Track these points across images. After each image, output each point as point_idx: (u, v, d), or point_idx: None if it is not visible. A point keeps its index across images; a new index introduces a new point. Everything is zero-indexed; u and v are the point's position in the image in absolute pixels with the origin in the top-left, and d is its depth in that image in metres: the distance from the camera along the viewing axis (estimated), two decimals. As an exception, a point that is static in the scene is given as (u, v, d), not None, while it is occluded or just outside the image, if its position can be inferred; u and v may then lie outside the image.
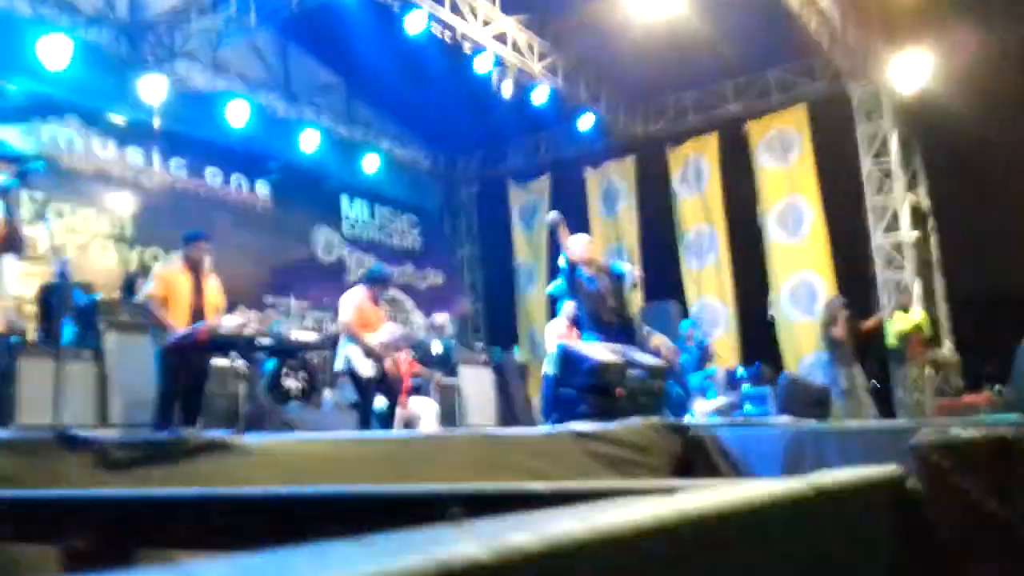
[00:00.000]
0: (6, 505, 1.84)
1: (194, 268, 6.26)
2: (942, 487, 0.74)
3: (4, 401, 6.27)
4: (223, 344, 6.09)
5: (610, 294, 6.84)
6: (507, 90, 11.64)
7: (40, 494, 2.06)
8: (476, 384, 10.26)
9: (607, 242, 14.14)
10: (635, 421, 4.91)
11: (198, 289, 6.23)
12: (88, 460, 3.24)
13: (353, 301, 7.20)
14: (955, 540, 0.73)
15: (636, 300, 7.80)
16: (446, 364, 10.23)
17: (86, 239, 9.96)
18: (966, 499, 0.74)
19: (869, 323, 11.16)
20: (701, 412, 6.45)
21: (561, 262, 6.91)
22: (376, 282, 7.41)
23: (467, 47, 11.17)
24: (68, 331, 7.07)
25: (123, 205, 10.54)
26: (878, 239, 11.93)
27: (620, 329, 6.85)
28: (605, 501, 0.53)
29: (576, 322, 7.09)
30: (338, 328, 7.23)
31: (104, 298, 7.79)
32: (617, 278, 6.91)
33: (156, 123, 10.80)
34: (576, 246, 6.85)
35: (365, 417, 7.01)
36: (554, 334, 9.39)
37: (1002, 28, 9.83)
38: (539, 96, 12.32)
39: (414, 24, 10.36)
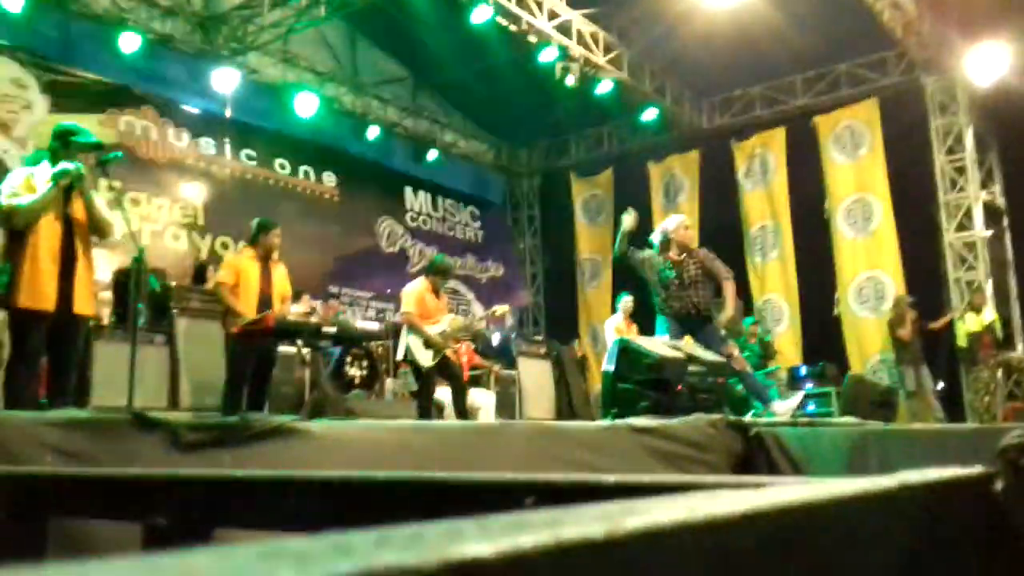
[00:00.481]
0: (86, 482, 1.91)
1: (264, 256, 6.38)
2: (1028, 490, 0.73)
3: (80, 383, 6.49)
4: (289, 332, 6.21)
5: (695, 286, 6.76)
6: (570, 81, 11.61)
7: (119, 472, 2.13)
8: (535, 377, 10.26)
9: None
10: (695, 418, 4.88)
11: (267, 277, 6.35)
12: (161, 441, 3.34)
13: (414, 292, 7.25)
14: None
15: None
16: (505, 356, 10.27)
17: (160, 227, 10.25)
18: (1053, 504, 0.72)
19: (938, 323, 10.89)
20: (780, 413, 6.34)
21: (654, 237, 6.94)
22: (438, 273, 7.45)
23: (532, 39, 11.17)
24: (141, 316, 7.28)
25: (195, 194, 10.83)
26: (950, 237, 11.61)
27: (692, 323, 6.77)
28: (689, 494, 0.54)
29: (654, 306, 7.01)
30: (400, 318, 7.30)
31: (177, 284, 8.00)
32: (708, 276, 6.84)
33: (228, 114, 11.05)
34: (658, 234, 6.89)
35: (424, 406, 7.08)
36: (612, 328, 9.38)
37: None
38: (603, 89, 12.27)
39: (480, 16, 10.41)
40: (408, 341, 7.09)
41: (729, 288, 6.87)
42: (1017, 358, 10.78)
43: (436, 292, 7.37)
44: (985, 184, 11.96)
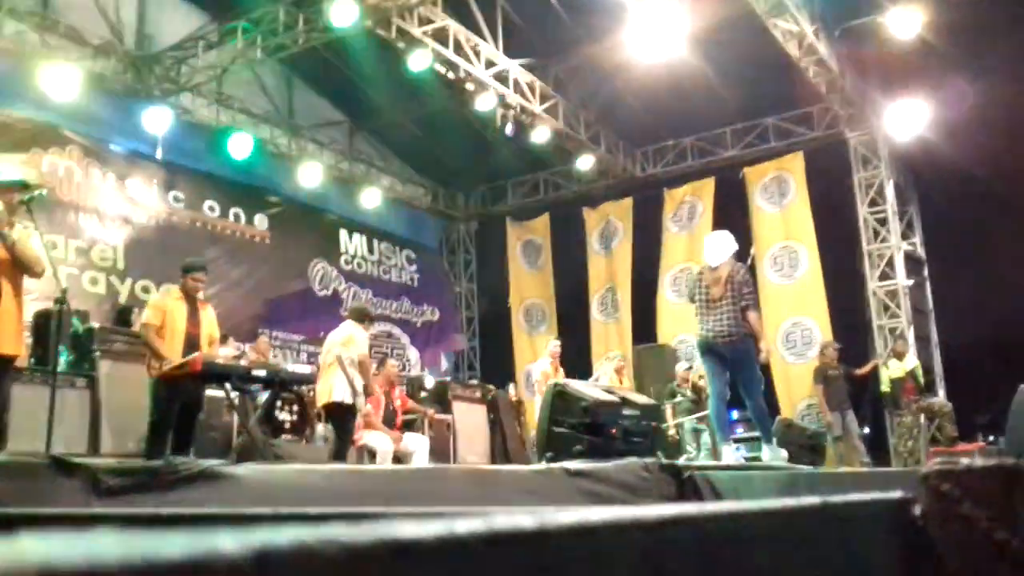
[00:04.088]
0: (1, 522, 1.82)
1: (191, 298, 6.24)
2: (948, 514, 0.74)
3: (-4, 427, 6.23)
4: (218, 375, 6.05)
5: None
6: (509, 129, 11.75)
7: (37, 512, 2.03)
8: (470, 421, 10.21)
9: (602, 280, 14.21)
10: (629, 461, 4.90)
11: (194, 319, 6.20)
12: (80, 486, 3.22)
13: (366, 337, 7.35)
14: (959, 567, 0.74)
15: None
16: (440, 400, 10.19)
17: (76, 271, 9.92)
18: (972, 527, 0.74)
19: (863, 369, 11.17)
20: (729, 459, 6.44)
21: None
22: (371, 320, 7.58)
23: (470, 87, 11.29)
24: (62, 358, 7.03)
25: (117, 237, 10.53)
26: (873, 286, 11.98)
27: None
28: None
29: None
30: (355, 359, 7.24)
31: (100, 326, 7.76)
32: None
33: (158, 154, 10.86)
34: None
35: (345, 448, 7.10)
36: (539, 372, 9.45)
37: (996, 79, 9.98)
38: (540, 136, 12.44)
39: (418, 62, 10.49)
40: (354, 383, 7.09)
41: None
42: (939, 403, 11.07)
43: None
44: (907, 235, 12.40)
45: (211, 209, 11.75)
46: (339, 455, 7.15)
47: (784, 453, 6.47)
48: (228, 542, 0.27)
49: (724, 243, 6.81)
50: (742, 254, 13.00)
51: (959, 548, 0.72)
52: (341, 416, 7.24)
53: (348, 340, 7.32)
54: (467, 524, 0.32)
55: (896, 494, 0.74)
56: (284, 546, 0.25)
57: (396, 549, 0.28)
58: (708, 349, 6.57)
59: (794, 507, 0.55)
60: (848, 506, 0.64)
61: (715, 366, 6.54)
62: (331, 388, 7.14)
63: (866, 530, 0.67)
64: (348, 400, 7.10)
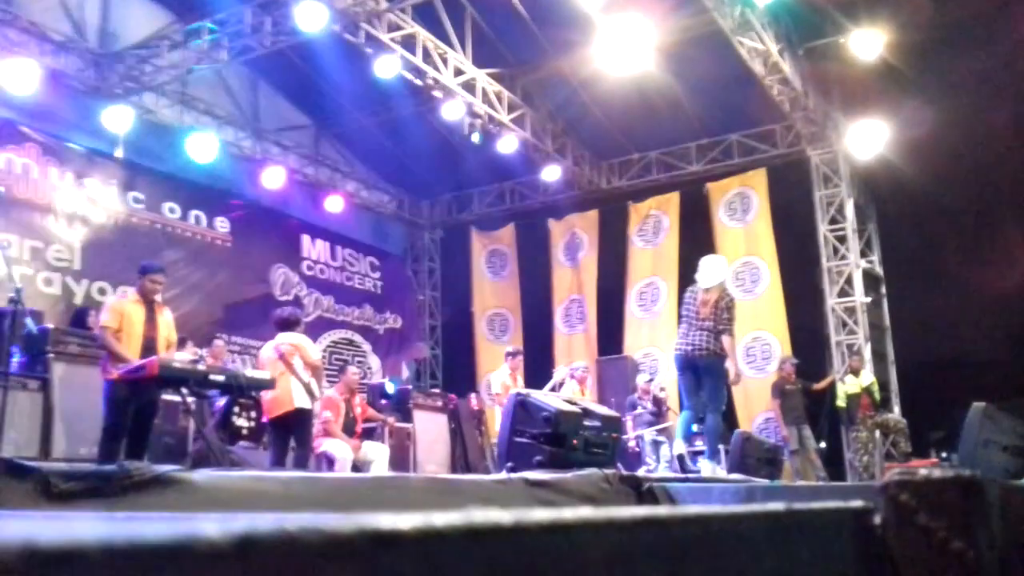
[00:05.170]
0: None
1: (148, 301, 6.15)
2: (906, 524, 0.76)
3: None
4: (175, 379, 5.96)
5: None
6: (476, 138, 11.77)
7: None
8: (431, 429, 10.17)
9: (567, 292, 14.27)
10: (589, 472, 4.91)
11: (151, 322, 6.11)
12: (31, 490, 3.14)
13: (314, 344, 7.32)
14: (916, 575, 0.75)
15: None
16: (401, 408, 10.15)
17: (31, 271, 9.71)
18: (930, 537, 0.75)
19: (820, 384, 11.33)
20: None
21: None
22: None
23: (437, 94, 11.30)
24: (15, 359, 6.89)
25: (73, 237, 10.32)
26: (832, 302, 12.16)
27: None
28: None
29: None
30: (314, 364, 7.24)
31: (55, 328, 7.61)
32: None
33: (118, 154, 10.69)
34: None
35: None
36: (499, 383, 9.46)
37: (956, 100, 10.20)
38: (506, 146, 12.47)
39: (385, 69, 10.46)
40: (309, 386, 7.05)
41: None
42: (894, 419, 11.27)
43: None
44: (864, 253, 12.61)
45: (171, 211, 11.57)
46: (300, 462, 7.09)
47: (723, 472, 6.89)
48: (211, 527, 0.27)
49: (719, 268, 7.27)
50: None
51: (917, 558, 0.74)
52: (303, 423, 7.18)
53: (299, 346, 7.27)
54: (445, 517, 0.32)
55: (857, 503, 0.75)
56: (267, 532, 0.25)
57: (376, 538, 0.28)
58: (686, 365, 7.05)
59: (758, 512, 0.56)
60: (810, 513, 0.65)
61: (691, 384, 7.08)
62: (290, 395, 7.08)
63: (827, 537, 0.68)
64: (308, 405, 7.06)
